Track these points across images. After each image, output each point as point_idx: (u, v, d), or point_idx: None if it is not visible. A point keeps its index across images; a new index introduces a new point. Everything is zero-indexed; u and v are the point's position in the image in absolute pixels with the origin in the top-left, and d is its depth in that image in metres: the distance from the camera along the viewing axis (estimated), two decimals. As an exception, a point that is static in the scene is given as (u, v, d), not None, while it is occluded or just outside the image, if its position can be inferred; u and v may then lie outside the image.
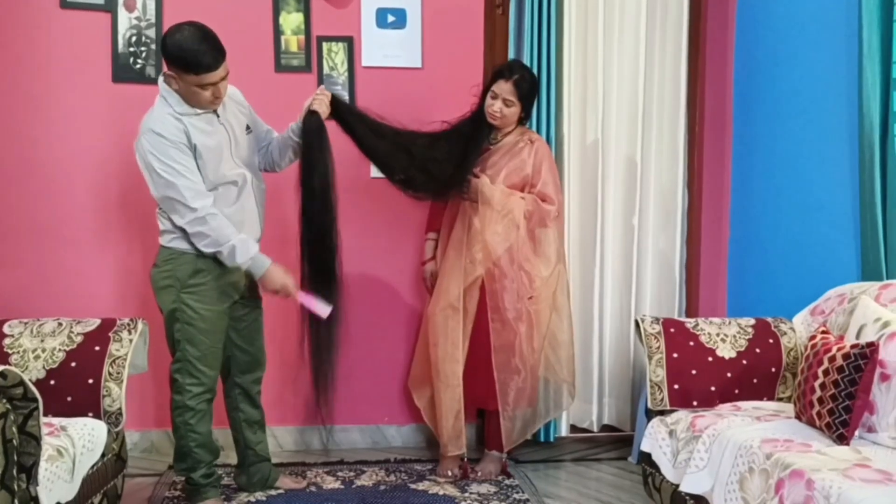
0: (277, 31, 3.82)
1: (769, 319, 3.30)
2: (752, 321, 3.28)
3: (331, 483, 3.52)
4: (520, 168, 3.53)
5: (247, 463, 3.37)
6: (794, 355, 3.14)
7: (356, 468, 3.71)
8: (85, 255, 3.75)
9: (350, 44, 3.86)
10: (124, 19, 3.70)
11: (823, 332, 2.84)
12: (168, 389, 3.14)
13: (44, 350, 2.95)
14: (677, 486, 2.84)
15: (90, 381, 2.91)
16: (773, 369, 3.15)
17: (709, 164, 4.13)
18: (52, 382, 2.89)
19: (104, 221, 3.76)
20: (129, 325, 3.05)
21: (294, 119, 3.20)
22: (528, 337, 3.51)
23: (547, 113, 3.90)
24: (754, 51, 3.90)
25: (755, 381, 3.13)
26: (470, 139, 3.49)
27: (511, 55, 3.85)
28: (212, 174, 2.97)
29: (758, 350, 3.17)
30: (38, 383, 2.83)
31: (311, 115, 3.12)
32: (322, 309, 3.05)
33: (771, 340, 3.19)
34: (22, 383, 2.26)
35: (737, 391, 3.11)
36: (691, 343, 3.17)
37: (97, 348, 2.97)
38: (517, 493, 3.45)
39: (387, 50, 3.90)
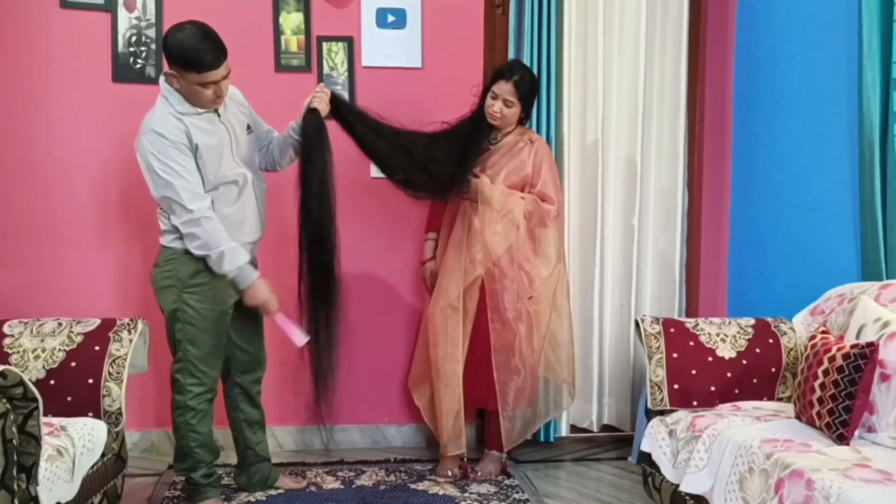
0: (277, 31, 3.82)
1: (769, 319, 3.30)
2: (752, 321, 3.28)
3: (331, 483, 3.52)
4: (520, 168, 3.53)
5: (247, 463, 3.37)
6: (794, 355, 3.14)
7: (356, 468, 3.71)
8: (85, 255, 3.75)
9: (350, 44, 3.86)
10: (124, 19, 3.70)
11: (823, 332, 2.84)
12: (168, 389, 3.14)
13: (44, 350, 2.95)
14: (677, 486, 2.84)
15: (90, 380, 2.91)
16: (773, 369, 3.15)
17: (709, 164, 4.13)
18: (52, 382, 2.89)
19: (104, 221, 3.76)
20: (129, 325, 3.05)
21: (294, 118, 3.20)
22: (528, 337, 3.51)
23: (547, 113, 3.90)
24: (754, 51, 3.90)
25: (755, 381, 3.13)
26: (470, 139, 3.49)
27: (511, 55, 3.85)
28: (213, 173, 2.97)
29: (758, 350, 3.17)
30: (38, 383, 2.83)
31: (311, 112, 3.12)
32: (299, 337, 3.04)
33: (771, 340, 3.20)
34: (22, 383, 2.26)
35: (737, 391, 3.11)
36: (691, 343, 3.17)
37: (97, 348, 2.97)
38: (517, 493, 3.45)
39: (387, 50, 3.90)
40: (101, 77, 3.71)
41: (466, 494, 3.41)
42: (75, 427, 2.71)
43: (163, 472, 3.64)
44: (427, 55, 3.92)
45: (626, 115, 4.12)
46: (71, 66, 3.68)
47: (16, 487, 2.23)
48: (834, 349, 2.64)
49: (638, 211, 4.13)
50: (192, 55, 2.81)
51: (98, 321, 3.07)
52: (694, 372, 3.11)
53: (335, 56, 3.86)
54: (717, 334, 3.20)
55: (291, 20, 3.83)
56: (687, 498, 2.82)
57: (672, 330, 3.20)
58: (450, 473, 3.59)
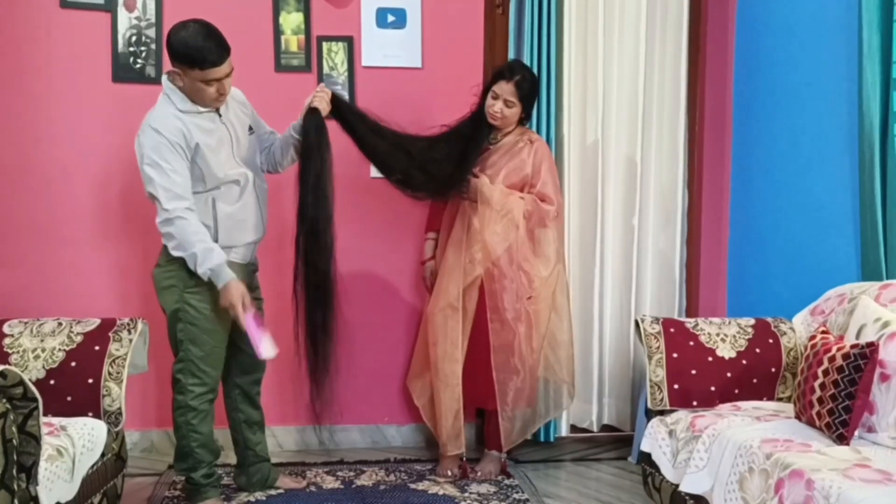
0: (277, 31, 3.82)
1: (769, 319, 3.30)
2: (752, 321, 3.28)
3: (330, 483, 3.52)
4: (519, 168, 3.53)
5: (246, 463, 3.37)
6: (793, 355, 3.14)
7: (356, 468, 3.71)
8: (85, 255, 3.75)
9: (350, 44, 3.86)
10: (124, 19, 3.70)
11: (823, 332, 2.84)
12: (168, 389, 3.14)
13: (43, 350, 2.95)
14: (677, 485, 2.84)
15: (90, 380, 2.91)
16: (773, 369, 3.15)
17: (709, 164, 4.13)
18: (52, 382, 2.89)
19: (104, 221, 3.76)
20: (128, 324, 3.05)
21: (294, 118, 3.20)
22: (528, 337, 3.51)
23: (547, 113, 3.90)
24: (754, 51, 3.90)
25: (755, 381, 3.13)
26: (470, 139, 3.49)
27: (511, 55, 3.85)
28: (213, 172, 2.97)
29: (758, 350, 3.17)
30: (37, 383, 2.83)
31: (312, 112, 3.12)
32: (265, 348, 2.96)
33: (771, 340, 3.19)
34: (22, 383, 2.26)
35: (737, 391, 3.11)
36: (691, 343, 3.17)
37: (97, 348, 2.97)
38: (517, 492, 3.45)
39: (387, 50, 3.90)
40: (101, 77, 3.71)
41: (466, 494, 3.41)
42: (75, 427, 2.71)
43: (163, 471, 3.64)
44: (427, 55, 3.92)
45: (626, 115, 4.12)
46: (71, 65, 3.68)
47: (16, 487, 2.23)
48: (834, 349, 2.64)
49: (638, 211, 4.13)
50: (196, 52, 2.82)
51: (98, 321, 3.07)
52: (694, 372, 3.11)
53: (335, 56, 3.86)
54: (717, 334, 3.20)
55: (291, 20, 3.83)
56: (687, 498, 2.82)
57: (672, 330, 3.20)
58: (449, 473, 3.59)
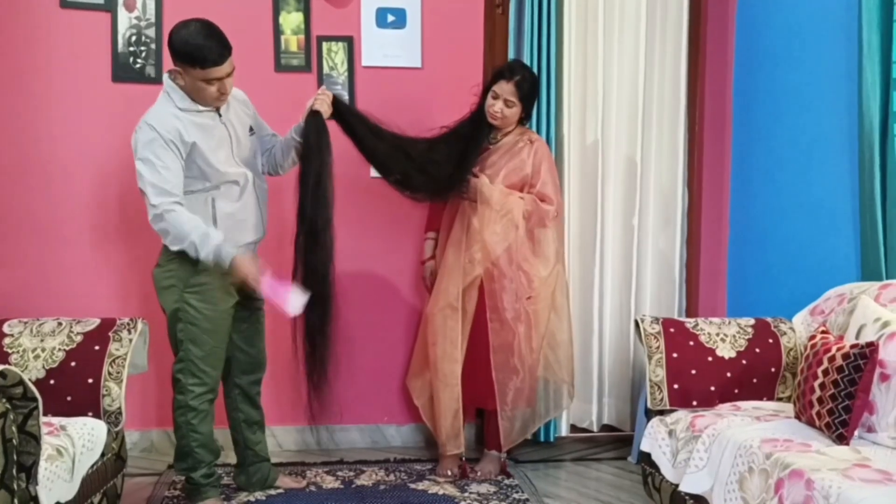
0: (277, 31, 3.82)
1: (769, 319, 3.30)
2: (752, 321, 3.28)
3: (330, 483, 3.52)
4: (519, 168, 3.53)
5: (246, 463, 3.37)
6: (793, 355, 3.14)
7: (356, 468, 3.71)
8: (85, 255, 3.75)
9: (350, 43, 3.86)
10: (124, 19, 3.70)
11: (823, 332, 2.84)
12: (168, 389, 3.14)
13: (43, 349, 2.95)
14: (677, 485, 2.84)
15: (90, 380, 2.91)
16: (773, 369, 3.15)
17: (709, 164, 4.13)
18: (52, 382, 2.89)
19: (104, 221, 3.76)
20: (128, 324, 3.05)
21: (294, 119, 3.20)
22: (527, 337, 3.51)
23: (547, 113, 3.90)
24: (754, 51, 3.90)
25: (755, 380, 3.13)
26: (469, 139, 3.49)
27: (511, 55, 3.86)
28: (211, 170, 2.96)
29: (757, 350, 3.17)
30: (37, 383, 2.83)
31: (313, 115, 3.12)
32: (292, 305, 2.95)
33: (771, 340, 3.20)
34: (21, 383, 2.26)
35: (736, 391, 3.11)
36: (691, 343, 3.17)
37: (97, 348, 2.97)
38: (517, 492, 3.45)
39: (387, 50, 3.90)
40: (101, 77, 3.71)
41: (466, 494, 3.41)
42: (75, 427, 2.71)
43: (162, 471, 3.63)
44: (427, 55, 3.92)
45: (626, 115, 4.12)
46: (71, 65, 3.68)
47: (15, 487, 2.23)
48: (834, 349, 2.64)
49: (638, 211, 4.13)
50: (197, 51, 2.82)
51: (98, 321, 3.07)
52: (694, 372, 3.11)
53: (335, 56, 3.86)
54: (717, 334, 3.20)
55: (291, 20, 3.83)
56: (687, 498, 2.82)
57: (672, 330, 3.20)
58: (449, 473, 3.59)
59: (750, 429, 2.69)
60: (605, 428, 4.22)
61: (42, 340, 2.98)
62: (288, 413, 3.86)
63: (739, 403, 3.04)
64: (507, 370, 3.51)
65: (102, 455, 2.80)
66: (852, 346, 2.59)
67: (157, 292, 3.07)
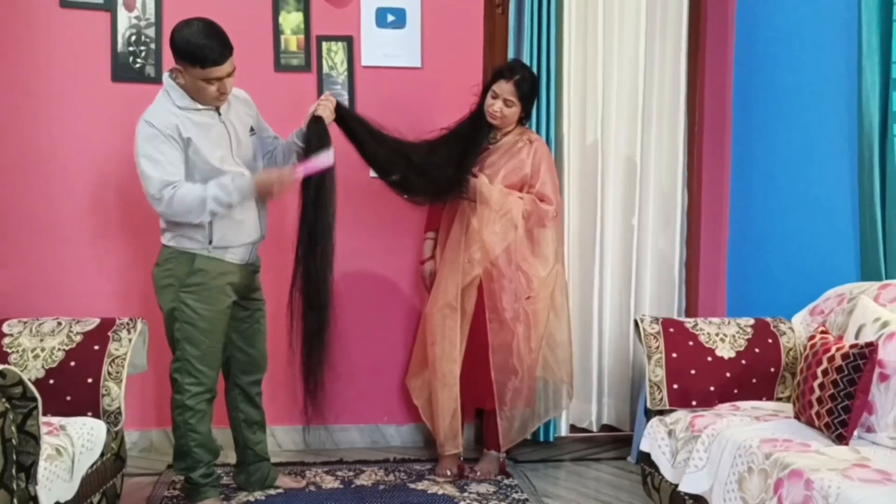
0: (277, 31, 3.82)
1: (768, 319, 3.30)
2: (752, 321, 3.28)
3: (330, 483, 3.52)
4: (518, 168, 3.53)
5: (246, 462, 3.37)
6: (793, 355, 3.14)
7: (355, 468, 3.71)
8: (84, 254, 3.75)
9: (350, 43, 3.86)
10: (124, 18, 3.70)
11: (822, 332, 2.84)
12: (167, 389, 3.14)
13: (43, 349, 2.95)
14: (676, 485, 2.84)
15: (89, 380, 2.91)
16: (773, 369, 3.15)
17: (708, 164, 4.13)
18: (52, 382, 2.89)
19: (104, 220, 3.76)
20: (128, 324, 3.05)
21: (294, 119, 3.20)
22: (526, 337, 3.51)
23: (547, 113, 3.90)
24: (754, 51, 3.90)
25: (754, 380, 3.13)
26: (469, 139, 3.50)
27: (511, 55, 3.86)
28: (207, 168, 2.96)
29: (757, 350, 3.17)
30: (37, 382, 2.83)
31: (316, 120, 3.12)
32: (323, 160, 3.01)
33: (770, 340, 3.20)
34: (21, 382, 2.26)
35: (736, 391, 3.11)
36: (690, 343, 3.17)
37: (96, 348, 2.97)
38: (516, 492, 3.45)
39: (386, 49, 3.89)
40: (101, 76, 3.70)
41: (465, 494, 3.41)
42: (74, 426, 2.71)
43: (162, 471, 3.63)
44: (427, 55, 3.92)
45: (626, 115, 4.12)
46: (71, 65, 3.68)
47: (15, 487, 2.23)
48: (833, 349, 2.64)
49: (638, 211, 4.13)
50: (198, 50, 2.82)
51: (97, 321, 3.07)
52: (693, 372, 3.11)
53: (335, 56, 3.86)
54: (717, 334, 3.20)
55: (291, 20, 3.83)
56: (686, 498, 2.82)
57: (671, 330, 3.20)
58: (448, 473, 3.59)
59: (749, 429, 2.69)
60: (604, 428, 4.22)
61: (41, 340, 2.98)
62: (288, 413, 3.86)
63: (739, 403, 3.04)
64: (505, 370, 3.51)
65: (102, 455, 2.80)
66: (852, 347, 2.59)
67: (156, 291, 3.07)
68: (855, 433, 2.55)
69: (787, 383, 3.14)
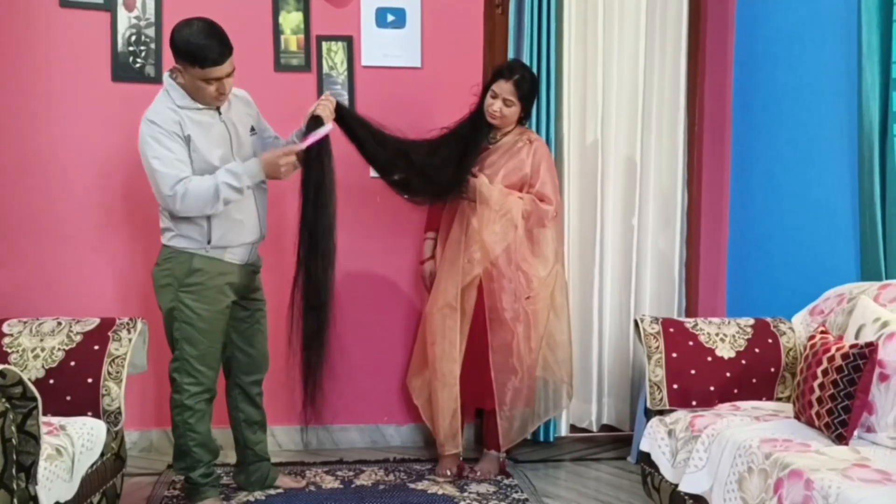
0: (277, 31, 3.82)
1: (768, 319, 3.30)
2: (752, 321, 3.28)
3: (330, 482, 3.52)
4: (518, 168, 3.53)
5: (246, 462, 3.37)
6: (793, 355, 3.14)
7: (355, 468, 3.71)
8: (85, 254, 3.75)
9: (350, 43, 3.86)
10: (124, 18, 3.70)
11: (822, 332, 2.84)
12: (167, 389, 3.14)
13: (43, 349, 2.95)
14: (676, 485, 2.84)
15: (89, 380, 2.91)
16: (773, 369, 3.15)
17: (708, 164, 4.13)
18: (52, 381, 2.89)
19: (104, 220, 3.76)
20: (128, 324, 3.05)
21: (294, 119, 3.20)
22: (526, 337, 3.51)
23: (547, 113, 3.90)
24: (754, 51, 3.90)
25: (754, 380, 3.13)
26: (469, 139, 3.50)
27: (511, 55, 3.86)
28: (206, 168, 2.96)
29: (757, 350, 3.17)
30: (37, 382, 2.83)
31: (314, 120, 3.12)
32: (322, 130, 3.03)
33: (770, 340, 3.20)
34: (21, 382, 2.26)
35: (736, 391, 3.11)
36: (690, 343, 3.17)
37: (96, 347, 2.97)
38: (516, 492, 3.45)
39: (386, 49, 3.89)
40: (101, 76, 3.70)
41: (465, 494, 3.41)
42: (74, 426, 2.71)
43: (162, 471, 3.63)
44: (427, 55, 3.92)
45: (626, 115, 4.12)
46: (71, 65, 3.68)
47: (15, 487, 2.23)
48: (833, 349, 2.64)
49: (637, 211, 4.13)
50: (198, 50, 2.83)
51: (97, 320, 3.07)
52: (693, 372, 3.11)
53: (335, 55, 3.86)
54: (717, 334, 3.20)
55: (291, 19, 3.83)
56: (686, 498, 2.82)
57: (671, 330, 3.20)
58: (448, 473, 3.59)
59: (749, 429, 2.69)
60: (604, 428, 4.22)
61: (41, 340, 2.98)
62: (288, 413, 3.86)
63: (739, 403, 3.04)
64: (505, 370, 3.51)
65: (102, 455, 2.80)
66: (851, 347, 2.59)
67: (156, 291, 3.07)
68: (855, 433, 2.55)
69: (787, 383, 3.14)
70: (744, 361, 3.14)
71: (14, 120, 3.66)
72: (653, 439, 3.05)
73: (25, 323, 3.04)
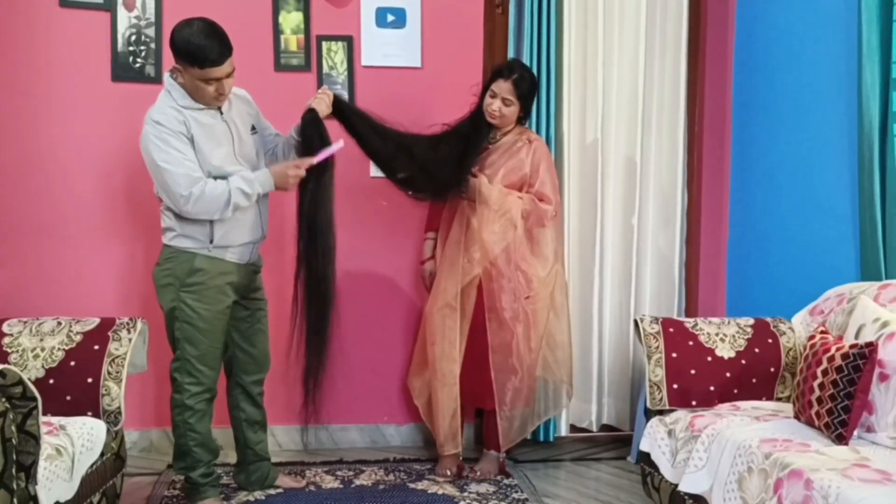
0: (277, 31, 3.82)
1: (768, 319, 3.30)
2: (751, 321, 3.28)
3: (330, 482, 3.52)
4: (518, 168, 3.53)
5: (246, 462, 3.37)
6: (793, 355, 3.14)
7: (355, 467, 3.71)
8: (85, 254, 3.75)
9: (350, 43, 3.86)
10: (124, 18, 3.70)
11: (822, 332, 2.84)
12: (167, 388, 3.14)
13: (43, 349, 2.95)
14: (676, 485, 2.84)
15: (89, 380, 2.91)
16: (772, 369, 3.15)
17: (708, 163, 4.13)
18: (52, 381, 2.89)
19: (104, 220, 3.76)
20: (128, 324, 3.05)
21: (294, 119, 3.20)
22: (525, 337, 3.51)
23: (547, 113, 3.90)
24: (754, 51, 3.90)
25: (754, 380, 3.13)
26: (469, 138, 3.50)
27: (511, 55, 3.86)
28: (211, 166, 2.96)
29: (757, 350, 3.17)
30: (37, 382, 2.83)
31: (309, 112, 3.12)
32: (335, 147, 3.07)
33: (770, 340, 3.20)
34: (21, 382, 2.26)
35: (736, 391, 3.11)
36: (690, 343, 3.17)
37: (96, 347, 2.97)
38: (516, 492, 3.45)
39: (386, 49, 3.90)
40: (101, 76, 3.70)
41: (465, 494, 3.41)
42: (74, 426, 2.71)
43: (162, 471, 3.63)
44: (427, 55, 3.92)
45: (626, 115, 4.12)
46: (70, 65, 3.68)
47: (15, 486, 2.23)
48: (833, 349, 2.64)
49: (637, 211, 4.13)
50: (197, 50, 2.82)
51: (97, 320, 3.07)
52: (693, 372, 3.11)
53: (335, 55, 3.86)
54: (717, 334, 3.20)
55: (291, 19, 3.83)
56: (686, 497, 2.82)
57: (671, 329, 3.20)
58: (448, 473, 3.59)
59: (749, 429, 2.69)
60: (604, 428, 4.22)
61: (41, 340, 2.98)
62: (288, 413, 3.86)
63: (739, 403, 3.04)
64: (505, 370, 3.51)
65: (102, 454, 2.80)
66: (851, 347, 2.59)
67: (157, 291, 3.07)
68: (855, 433, 2.55)
69: (786, 383, 3.14)
70: (744, 361, 3.14)
71: (14, 120, 3.66)
72: (653, 439, 3.05)
73: (25, 323, 3.04)
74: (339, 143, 3.11)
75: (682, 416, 2.99)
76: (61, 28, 3.66)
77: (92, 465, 2.74)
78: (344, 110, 3.26)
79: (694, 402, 3.08)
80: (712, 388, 3.10)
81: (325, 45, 3.85)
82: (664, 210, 4.17)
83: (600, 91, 4.06)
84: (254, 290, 3.23)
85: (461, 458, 3.64)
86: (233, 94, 3.05)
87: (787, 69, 3.64)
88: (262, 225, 3.17)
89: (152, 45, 3.71)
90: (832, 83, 3.34)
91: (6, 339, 2.97)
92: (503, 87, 3.44)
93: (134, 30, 3.71)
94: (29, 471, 2.31)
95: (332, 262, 3.12)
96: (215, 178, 2.96)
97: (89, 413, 2.89)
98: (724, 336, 3.19)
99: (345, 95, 3.80)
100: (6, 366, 2.31)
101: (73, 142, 3.71)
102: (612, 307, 4.16)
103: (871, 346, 2.55)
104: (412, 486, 3.50)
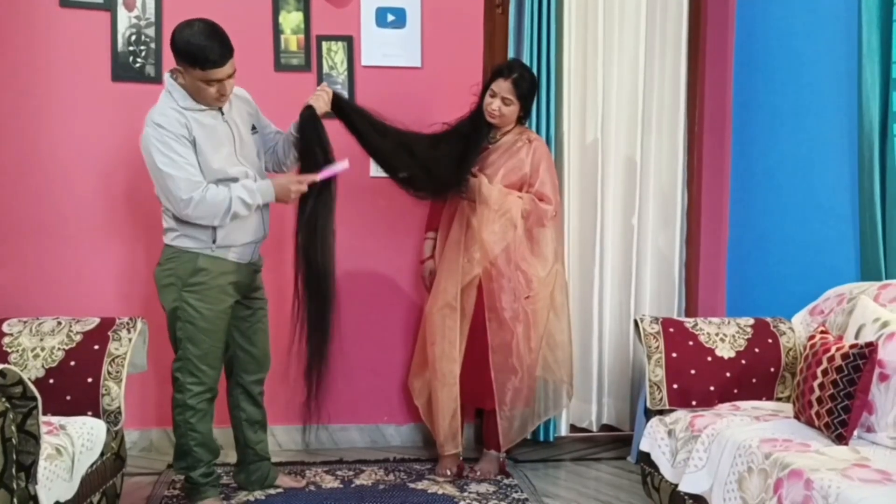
0: (277, 30, 3.82)
1: (768, 319, 3.30)
2: (751, 321, 3.28)
3: (330, 482, 3.52)
4: (518, 167, 3.53)
5: (246, 461, 3.37)
6: (793, 355, 3.15)
7: (355, 467, 3.71)
8: (85, 254, 3.75)
9: (350, 43, 3.86)
10: (124, 18, 3.70)
11: (822, 332, 2.84)
12: (167, 388, 3.15)
13: (43, 349, 2.95)
14: (676, 485, 2.84)
15: (89, 379, 2.91)
16: (772, 369, 3.15)
17: (708, 164, 4.13)
18: (52, 381, 2.89)
19: (104, 220, 3.76)
20: (128, 324, 3.05)
21: (294, 118, 3.20)
22: (525, 337, 3.51)
23: (547, 113, 3.90)
24: (754, 51, 3.90)
25: (754, 380, 3.13)
26: (469, 138, 3.50)
27: (511, 55, 3.86)
28: (211, 168, 2.96)
29: (757, 350, 3.17)
30: (37, 382, 2.83)
31: (306, 109, 3.13)
32: (341, 165, 3.09)
33: (770, 340, 3.20)
34: (21, 382, 2.26)
35: (736, 391, 3.11)
36: (690, 343, 3.17)
37: (96, 347, 2.97)
38: (516, 492, 3.45)
39: (386, 49, 3.90)
40: (101, 76, 3.70)
41: (465, 494, 3.41)
42: (74, 426, 2.71)
43: (162, 471, 3.63)
44: (427, 55, 3.92)
45: (626, 115, 4.12)
46: (71, 65, 3.68)
47: (15, 486, 2.23)
48: (833, 349, 2.64)
49: (637, 211, 4.13)
50: (199, 51, 2.82)
51: (97, 320, 3.07)
52: (693, 372, 3.11)
53: (335, 55, 3.86)
54: (717, 334, 3.20)
55: (291, 19, 3.83)
56: (686, 497, 2.82)
57: (671, 329, 3.21)
58: (448, 473, 3.59)
59: (749, 429, 2.69)
60: (604, 428, 4.22)
61: (41, 340, 2.98)
62: (288, 413, 3.86)
63: (739, 403, 3.04)
64: (505, 370, 3.51)
65: (102, 454, 2.80)
66: (851, 347, 2.59)
67: (158, 291, 3.07)
68: (855, 433, 2.55)
69: (786, 383, 3.14)
70: (744, 361, 3.14)
71: (14, 120, 3.66)
72: (653, 439, 3.05)
73: (25, 323, 3.04)
74: (345, 162, 3.10)
75: (682, 416, 2.99)
76: (61, 28, 3.66)
77: (92, 465, 2.74)
78: (343, 107, 3.27)
79: (694, 402, 3.08)
80: (712, 388, 3.10)
81: (325, 45, 3.85)
82: (664, 210, 4.17)
83: (600, 91, 4.06)
84: (254, 289, 3.23)
85: (461, 458, 3.64)
86: (233, 95, 3.05)
87: (787, 69, 3.64)
88: (264, 225, 3.18)
89: (152, 45, 3.71)
90: (832, 83, 3.34)
91: (6, 339, 2.97)
92: (503, 86, 3.44)
93: (134, 30, 3.71)
94: (29, 470, 2.31)
95: (332, 258, 3.12)
96: (217, 179, 2.97)
97: (89, 413, 2.89)
98: (724, 336, 3.20)
99: (345, 95, 3.80)
100: (6, 365, 2.31)
101: (73, 142, 3.71)
102: (612, 307, 4.16)
103: (871, 346, 2.55)
104: (412, 486, 3.50)
